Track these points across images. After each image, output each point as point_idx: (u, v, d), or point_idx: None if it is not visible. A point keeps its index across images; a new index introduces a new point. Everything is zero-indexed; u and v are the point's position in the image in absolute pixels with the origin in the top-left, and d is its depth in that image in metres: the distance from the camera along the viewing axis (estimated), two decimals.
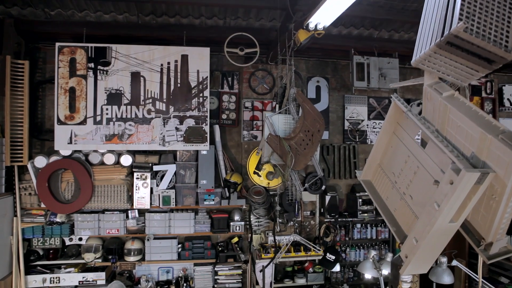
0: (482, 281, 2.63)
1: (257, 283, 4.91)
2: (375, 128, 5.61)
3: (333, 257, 3.74)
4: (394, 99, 1.80)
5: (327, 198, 5.22)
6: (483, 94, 5.85)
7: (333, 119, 5.53)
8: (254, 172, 5.14)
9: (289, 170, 3.65)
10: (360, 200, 5.23)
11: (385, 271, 3.37)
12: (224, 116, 5.16)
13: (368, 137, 5.59)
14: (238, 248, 4.96)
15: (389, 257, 3.63)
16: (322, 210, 5.26)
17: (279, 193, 3.83)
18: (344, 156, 5.49)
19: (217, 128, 4.98)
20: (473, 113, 1.51)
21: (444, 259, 2.87)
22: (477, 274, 2.03)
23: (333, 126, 5.52)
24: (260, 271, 4.86)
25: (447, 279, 2.84)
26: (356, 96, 5.56)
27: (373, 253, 2.96)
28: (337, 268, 3.73)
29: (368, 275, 3.06)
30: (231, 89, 5.23)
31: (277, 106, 4.01)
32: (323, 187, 5.16)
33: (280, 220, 4.97)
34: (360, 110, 5.57)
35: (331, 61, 5.55)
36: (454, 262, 2.93)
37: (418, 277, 1.63)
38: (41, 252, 4.70)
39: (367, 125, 5.59)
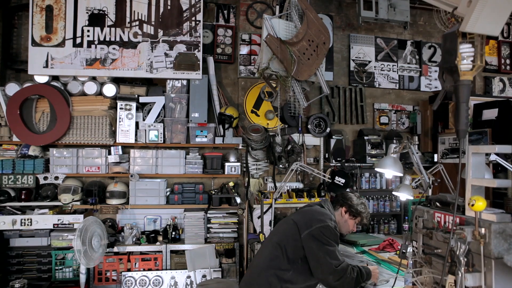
0: None
1: (255, 232, 4.38)
2: (383, 70, 5.16)
3: (343, 181, 3.24)
4: None
5: (332, 141, 4.74)
6: (500, 38, 5.42)
7: (337, 59, 5.07)
8: (252, 111, 4.67)
9: (291, 75, 3.17)
10: (369, 144, 4.74)
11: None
12: (219, 51, 4.70)
13: (376, 80, 5.13)
14: (233, 191, 4.44)
15: (407, 179, 3.15)
16: (327, 155, 4.76)
17: (281, 107, 3.35)
18: (350, 99, 5.02)
19: (211, 60, 4.52)
20: None
21: None
22: None
23: (337, 67, 5.07)
24: (258, 218, 4.33)
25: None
26: (362, 35, 5.12)
27: (393, 146, 2.47)
28: None
29: (389, 174, 2.56)
30: (227, 23, 4.78)
31: (277, 8, 3.56)
32: (328, 130, 4.69)
33: (282, 166, 4.46)
34: (367, 50, 5.12)
35: None
36: (492, 157, 2.44)
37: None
38: (12, 193, 4.17)
39: (374, 67, 5.14)
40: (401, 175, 2.47)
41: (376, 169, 2.52)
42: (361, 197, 2.55)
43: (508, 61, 5.38)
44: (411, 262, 1.57)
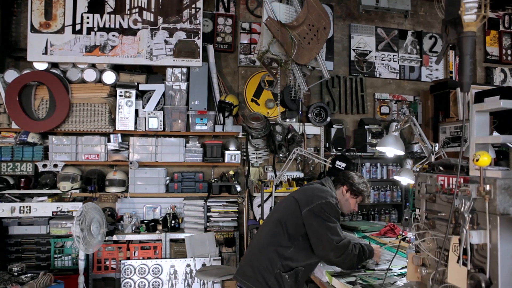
0: None
1: (255, 219, 4.35)
2: (384, 60, 5.14)
3: (344, 165, 3.21)
4: None
5: (333, 131, 4.72)
6: (501, 28, 5.40)
7: (338, 49, 5.05)
8: (252, 100, 4.65)
9: (291, 58, 3.15)
10: (370, 133, 4.72)
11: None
12: (219, 39, 4.68)
13: (376, 70, 5.11)
14: (233, 179, 4.41)
15: (408, 164, 3.12)
16: (327, 145, 4.74)
17: (281, 90, 3.33)
18: (351, 89, 5.00)
19: (211, 48, 4.50)
20: None
21: None
22: None
23: (338, 56, 5.04)
24: (259, 206, 4.30)
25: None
26: (363, 25, 5.10)
27: (394, 124, 2.44)
28: None
29: (390, 153, 2.54)
30: (227, 12, 4.76)
31: None
32: (328, 119, 4.66)
33: (282, 155, 4.44)
34: (367, 40, 5.10)
35: None
36: (495, 134, 2.41)
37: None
38: (11, 181, 4.14)
39: (375, 56, 5.12)
40: (403, 153, 2.44)
41: (377, 148, 2.50)
42: (362, 176, 2.52)
43: (509, 52, 5.36)
44: (413, 228, 1.54)
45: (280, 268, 2.13)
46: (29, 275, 3.16)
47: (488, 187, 1.21)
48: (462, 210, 1.23)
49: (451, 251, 1.33)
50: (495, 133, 2.47)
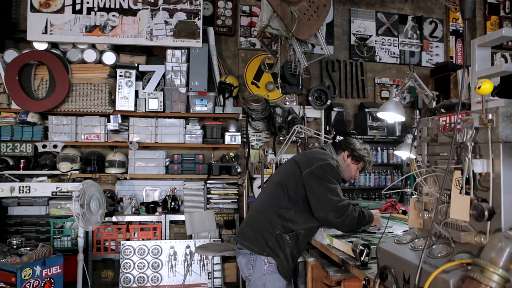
0: None
1: (254, 197, 4.33)
2: (384, 44, 5.13)
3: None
4: None
5: (333, 114, 4.71)
6: (502, 13, 5.39)
7: (338, 34, 5.05)
8: (252, 83, 4.65)
9: (291, 33, 3.15)
10: (370, 116, 4.71)
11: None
12: (219, 22, 4.67)
13: (377, 54, 5.11)
14: (233, 160, 4.39)
15: (409, 138, 3.12)
16: (328, 128, 4.73)
17: (281, 66, 3.33)
18: (351, 73, 4.99)
19: (211, 30, 4.49)
20: None
21: None
22: None
23: (338, 41, 5.04)
24: (259, 188, 4.30)
25: None
26: (363, 10, 5.11)
27: (395, 90, 2.43)
28: None
29: (391, 119, 2.52)
30: None
31: None
32: (329, 102, 4.66)
33: (282, 137, 4.43)
34: (367, 25, 5.10)
35: None
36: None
37: None
38: (10, 162, 4.14)
39: (375, 41, 5.12)
40: (403, 118, 2.43)
41: (378, 114, 2.48)
42: (364, 143, 2.50)
43: None
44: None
45: (280, 229, 2.11)
46: (27, 248, 3.15)
47: (490, 116, 1.20)
48: (464, 139, 1.22)
49: (453, 186, 1.31)
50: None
